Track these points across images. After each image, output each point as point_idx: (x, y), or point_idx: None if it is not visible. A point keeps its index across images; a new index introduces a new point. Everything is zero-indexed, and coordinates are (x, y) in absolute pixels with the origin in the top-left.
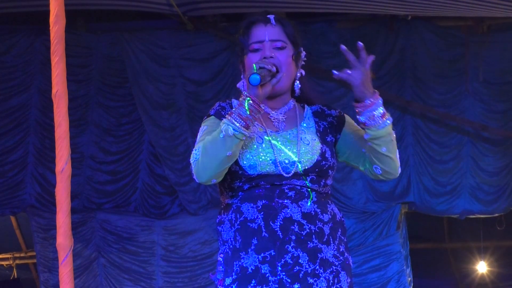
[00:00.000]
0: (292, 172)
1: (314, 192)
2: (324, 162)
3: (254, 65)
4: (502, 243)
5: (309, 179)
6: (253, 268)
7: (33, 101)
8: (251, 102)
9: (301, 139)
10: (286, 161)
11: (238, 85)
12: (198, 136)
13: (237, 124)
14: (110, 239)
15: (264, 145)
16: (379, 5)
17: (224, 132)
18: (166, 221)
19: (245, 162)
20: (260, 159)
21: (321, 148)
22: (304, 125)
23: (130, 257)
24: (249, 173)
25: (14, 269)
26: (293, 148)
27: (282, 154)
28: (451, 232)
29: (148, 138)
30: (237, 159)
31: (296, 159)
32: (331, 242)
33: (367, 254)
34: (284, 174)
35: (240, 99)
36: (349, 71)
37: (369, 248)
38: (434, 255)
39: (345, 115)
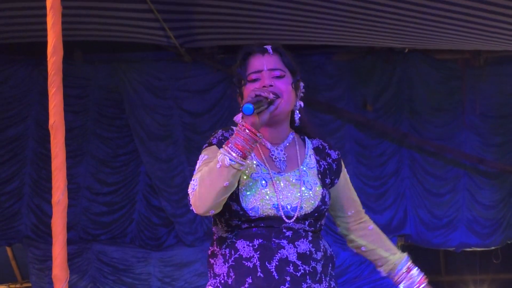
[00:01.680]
0: (294, 217)
1: (310, 232)
2: (323, 207)
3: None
4: (499, 276)
5: (307, 223)
6: None
7: (30, 131)
8: (247, 131)
9: (303, 183)
10: (288, 207)
11: (235, 118)
12: (197, 165)
13: (234, 154)
14: (106, 271)
15: (267, 189)
16: (376, 38)
17: (220, 163)
18: (162, 253)
19: (247, 205)
20: (263, 203)
21: (322, 192)
22: (306, 165)
23: None
24: (250, 215)
25: None
26: (296, 193)
27: (285, 199)
28: (447, 265)
29: (145, 169)
30: (239, 200)
31: (297, 204)
32: (323, 279)
33: (363, 287)
34: (285, 219)
35: (236, 128)
36: None
37: (365, 281)
38: None
39: (342, 161)
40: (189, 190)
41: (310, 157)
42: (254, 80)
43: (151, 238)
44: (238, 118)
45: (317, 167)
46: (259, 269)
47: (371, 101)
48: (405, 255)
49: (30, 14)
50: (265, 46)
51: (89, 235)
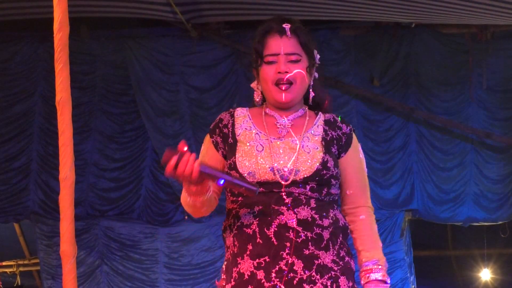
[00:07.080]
0: (290, 179)
1: (313, 199)
2: (325, 171)
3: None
4: (506, 250)
5: (308, 188)
6: (249, 274)
7: (37, 108)
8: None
9: (302, 147)
10: (285, 169)
11: (252, 84)
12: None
13: (188, 195)
14: (113, 246)
15: (263, 153)
16: (383, 13)
17: (185, 195)
18: (169, 228)
19: (244, 170)
20: (259, 167)
21: (323, 157)
22: (311, 132)
23: (133, 265)
24: (249, 180)
25: (18, 276)
26: (292, 156)
27: (281, 162)
28: (454, 239)
29: (152, 145)
30: (237, 167)
31: (294, 167)
32: (331, 247)
33: None
34: (282, 182)
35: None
36: None
37: None
38: (437, 263)
39: (354, 136)
40: None
41: (318, 126)
42: (271, 63)
43: (158, 213)
44: (254, 84)
45: (322, 135)
46: (258, 235)
47: (378, 76)
48: (374, 257)
49: None
50: (284, 26)
51: (96, 211)
